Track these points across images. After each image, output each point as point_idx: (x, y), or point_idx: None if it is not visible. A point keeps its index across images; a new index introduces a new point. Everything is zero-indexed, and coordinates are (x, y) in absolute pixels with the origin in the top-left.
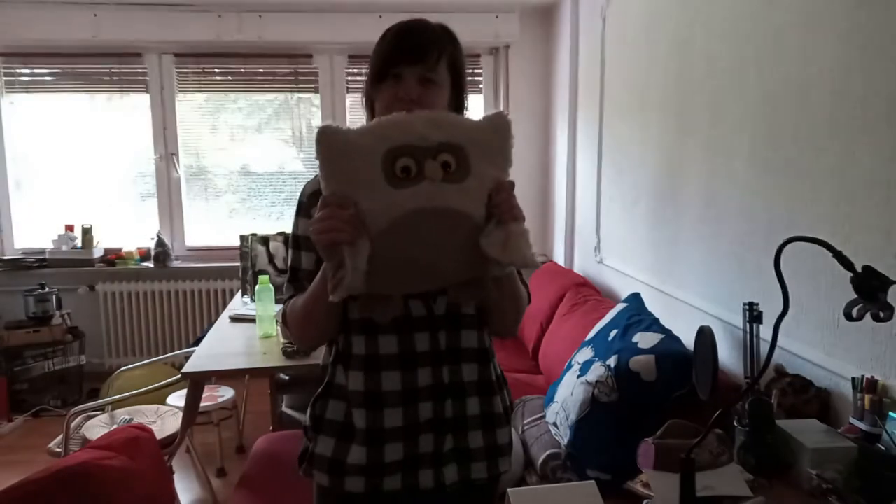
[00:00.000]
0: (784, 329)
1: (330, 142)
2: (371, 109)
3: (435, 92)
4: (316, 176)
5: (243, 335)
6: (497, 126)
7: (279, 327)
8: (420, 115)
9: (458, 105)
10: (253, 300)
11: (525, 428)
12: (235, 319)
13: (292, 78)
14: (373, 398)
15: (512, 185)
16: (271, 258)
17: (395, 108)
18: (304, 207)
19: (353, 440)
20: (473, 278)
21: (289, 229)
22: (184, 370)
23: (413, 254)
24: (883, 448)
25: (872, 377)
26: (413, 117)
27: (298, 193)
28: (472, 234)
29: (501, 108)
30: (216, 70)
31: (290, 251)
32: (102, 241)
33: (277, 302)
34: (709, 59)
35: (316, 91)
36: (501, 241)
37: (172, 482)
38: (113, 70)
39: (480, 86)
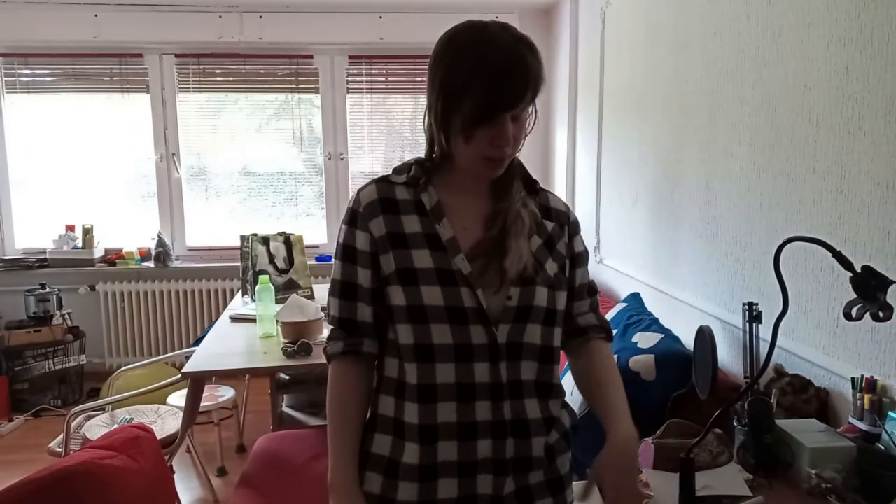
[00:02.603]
0: (783, 329)
1: None
2: (447, 138)
3: (525, 121)
4: (372, 183)
5: (244, 335)
6: None
7: (279, 326)
8: None
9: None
10: (253, 300)
11: None
12: (236, 319)
13: (293, 78)
14: (427, 431)
15: None
16: (272, 258)
17: (490, 152)
18: (361, 219)
19: (402, 477)
20: None
21: (289, 229)
22: (184, 370)
23: None
24: (882, 448)
25: (872, 377)
26: None
27: (350, 200)
28: None
29: None
30: (217, 70)
31: (339, 263)
32: (103, 241)
33: (278, 302)
34: (708, 59)
35: (316, 91)
36: None
37: (173, 482)
38: (114, 70)
39: None
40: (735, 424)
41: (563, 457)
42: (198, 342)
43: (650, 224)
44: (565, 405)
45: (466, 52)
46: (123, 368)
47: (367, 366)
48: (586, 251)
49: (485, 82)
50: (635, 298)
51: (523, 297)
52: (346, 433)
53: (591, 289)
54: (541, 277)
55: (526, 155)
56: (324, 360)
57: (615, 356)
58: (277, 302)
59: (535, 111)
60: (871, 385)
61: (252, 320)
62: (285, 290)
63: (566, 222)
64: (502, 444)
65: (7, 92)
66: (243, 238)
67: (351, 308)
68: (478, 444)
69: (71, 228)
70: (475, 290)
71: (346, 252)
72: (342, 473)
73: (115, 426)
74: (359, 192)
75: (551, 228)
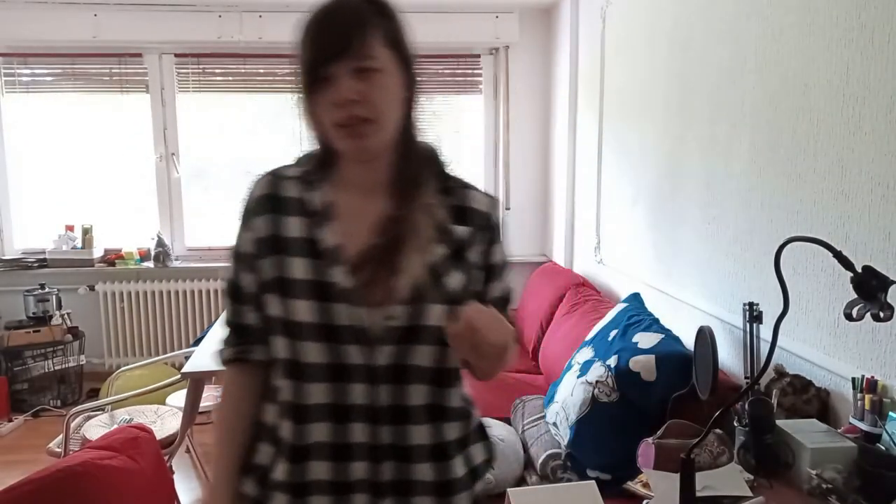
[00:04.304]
0: (784, 329)
1: None
2: (316, 122)
3: (378, 79)
4: (262, 176)
5: None
6: None
7: None
8: None
9: (410, 83)
10: None
11: (525, 428)
12: None
13: (293, 78)
14: (297, 450)
15: None
16: None
17: (335, 116)
18: (248, 216)
19: (273, 488)
20: None
21: None
22: (184, 370)
23: None
24: (883, 448)
25: (872, 377)
26: None
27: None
28: None
29: (501, 108)
30: (216, 70)
31: (230, 263)
32: (102, 241)
33: None
34: (708, 59)
35: None
36: None
37: (172, 482)
38: (113, 70)
39: (480, 86)
40: (735, 425)
41: (464, 494)
42: (197, 342)
43: (650, 224)
44: (483, 437)
45: (302, 26)
46: (123, 369)
47: (256, 374)
48: (505, 262)
49: (307, 39)
50: (635, 298)
51: (411, 317)
52: (226, 448)
53: (505, 300)
54: (437, 293)
55: (526, 154)
56: None
57: (615, 356)
58: None
59: (408, 72)
60: (871, 385)
61: None
62: None
63: (485, 226)
64: (378, 467)
65: (6, 92)
66: None
67: (239, 312)
68: (352, 465)
69: (70, 228)
70: (353, 307)
71: (234, 252)
72: (217, 497)
73: (115, 426)
74: (252, 185)
75: (464, 234)
